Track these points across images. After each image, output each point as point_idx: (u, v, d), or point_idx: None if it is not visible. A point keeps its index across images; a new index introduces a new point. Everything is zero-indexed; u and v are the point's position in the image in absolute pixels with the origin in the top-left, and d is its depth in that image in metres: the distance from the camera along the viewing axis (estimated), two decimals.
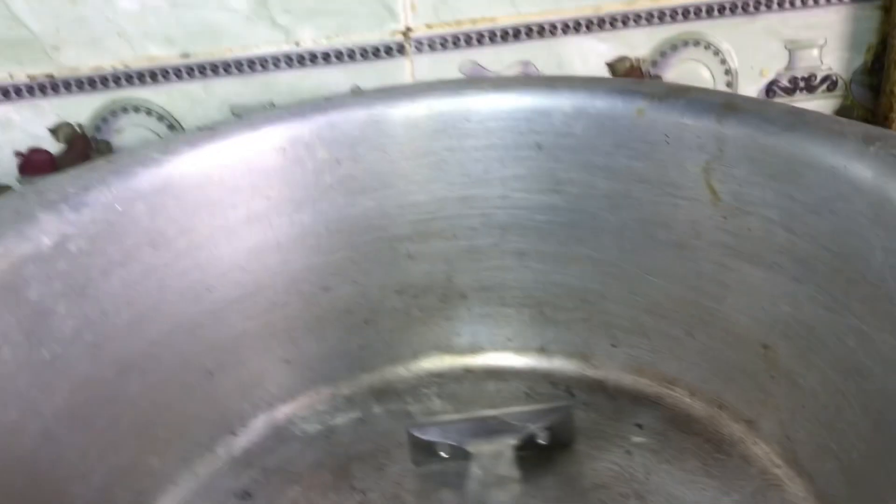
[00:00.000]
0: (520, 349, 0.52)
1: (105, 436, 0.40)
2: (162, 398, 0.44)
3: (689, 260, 0.45)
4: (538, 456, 0.45)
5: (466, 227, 0.50)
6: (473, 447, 0.41)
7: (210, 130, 0.43)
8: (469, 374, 0.52)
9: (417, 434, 0.43)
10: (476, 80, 0.47)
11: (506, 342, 0.52)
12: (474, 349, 0.52)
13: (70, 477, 0.38)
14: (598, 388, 0.50)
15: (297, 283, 0.48)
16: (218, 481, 0.46)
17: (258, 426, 0.49)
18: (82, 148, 0.52)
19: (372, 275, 0.49)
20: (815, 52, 0.57)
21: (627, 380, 0.50)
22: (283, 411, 0.49)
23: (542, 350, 0.52)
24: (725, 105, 0.41)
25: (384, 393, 0.51)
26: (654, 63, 0.56)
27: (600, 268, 0.48)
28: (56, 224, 0.37)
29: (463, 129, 0.47)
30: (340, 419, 0.49)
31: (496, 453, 0.41)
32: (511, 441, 0.42)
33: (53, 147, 0.51)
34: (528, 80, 0.47)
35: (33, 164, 0.50)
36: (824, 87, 0.57)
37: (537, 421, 0.43)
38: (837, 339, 0.38)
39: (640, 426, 0.47)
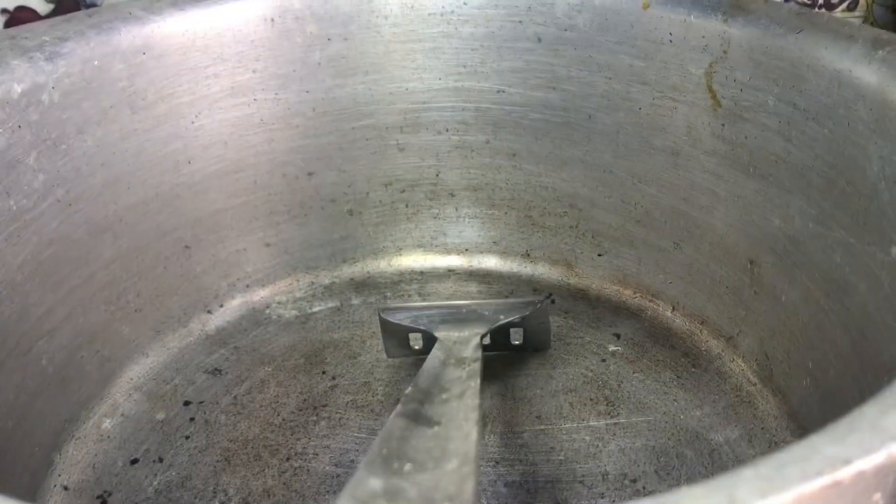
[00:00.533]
0: (504, 253, 0.51)
1: (73, 296, 0.40)
2: (136, 266, 0.43)
3: (682, 168, 0.44)
4: (512, 357, 0.45)
5: (458, 122, 0.48)
6: (441, 333, 0.41)
7: None
8: (452, 273, 0.52)
9: (386, 316, 0.43)
10: None
11: (491, 245, 0.51)
12: (459, 249, 0.52)
13: (34, 332, 0.38)
14: (580, 296, 0.49)
15: (281, 165, 0.47)
16: (189, 356, 0.46)
17: (234, 306, 0.48)
18: (71, 10, 0.50)
19: (358, 163, 0.48)
20: None
21: (610, 290, 0.49)
22: (261, 294, 0.49)
23: (527, 255, 0.51)
24: (734, 4, 0.39)
25: (364, 285, 0.51)
26: None
27: (592, 172, 0.47)
28: (28, 71, 0.36)
29: (461, 15, 0.45)
30: (318, 307, 0.49)
31: (462, 339, 0.40)
32: (480, 330, 0.41)
33: (42, 7, 0.49)
34: None
35: (19, 22, 0.49)
36: (844, 5, 0.55)
37: (511, 313, 0.43)
38: (824, 254, 0.37)
39: (618, 336, 0.46)
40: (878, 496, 0.19)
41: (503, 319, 0.42)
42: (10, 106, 0.35)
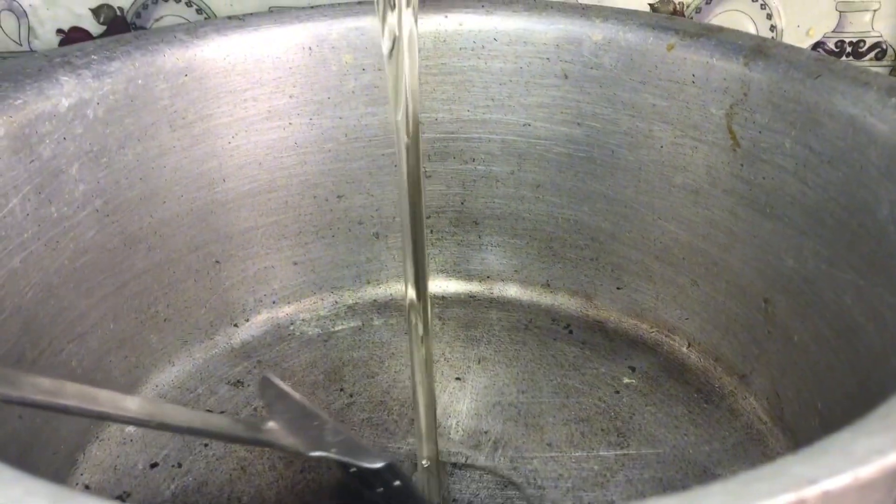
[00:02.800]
0: (525, 282, 0.52)
1: (105, 303, 0.42)
2: (167, 277, 0.45)
3: (702, 206, 0.44)
4: (526, 384, 0.46)
5: (485, 153, 0.50)
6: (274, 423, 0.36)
7: (239, 20, 0.44)
8: (473, 300, 0.53)
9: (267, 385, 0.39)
10: (509, 2, 0.47)
11: (512, 273, 0.52)
12: (481, 276, 0.53)
13: (66, 334, 0.39)
14: (597, 328, 0.50)
15: (311, 187, 0.48)
16: (213, 367, 0.47)
17: (259, 321, 0.50)
18: (121, 31, 0.53)
19: (386, 188, 0.50)
20: (868, 16, 0.55)
21: (628, 323, 0.50)
22: (286, 311, 0.51)
23: (547, 285, 0.52)
24: (755, 48, 0.40)
25: (386, 307, 0.52)
26: (699, 10, 0.55)
27: (614, 207, 0.48)
28: (76, 87, 0.38)
29: (491, 50, 0.46)
30: (340, 326, 0.50)
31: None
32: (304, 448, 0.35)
33: (94, 28, 0.52)
34: (561, 7, 0.46)
35: (73, 41, 0.51)
36: (872, 54, 0.55)
37: (355, 455, 0.36)
38: (835, 295, 0.37)
39: (633, 368, 0.47)
40: None
41: (333, 454, 0.35)
42: (57, 119, 0.37)
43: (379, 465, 0.35)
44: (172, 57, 0.41)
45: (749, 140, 0.41)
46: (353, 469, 0.36)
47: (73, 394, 0.27)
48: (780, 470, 0.17)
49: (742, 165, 0.42)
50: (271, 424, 0.35)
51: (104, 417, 0.29)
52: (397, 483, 0.37)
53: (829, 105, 0.37)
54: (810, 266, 0.39)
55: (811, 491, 0.16)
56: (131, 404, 0.30)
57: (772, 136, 0.40)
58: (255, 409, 0.44)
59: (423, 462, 0.38)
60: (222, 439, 0.39)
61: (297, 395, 0.38)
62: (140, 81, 0.41)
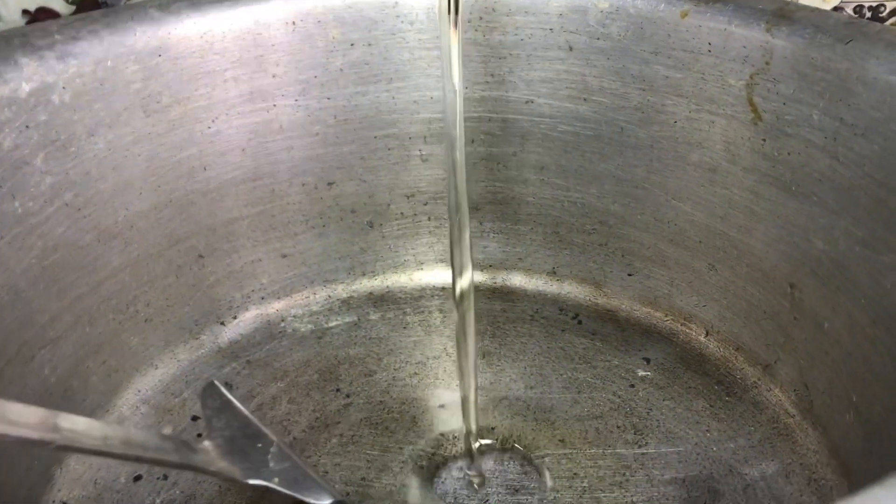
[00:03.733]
0: (530, 270, 0.49)
1: (80, 304, 0.38)
2: (146, 274, 0.42)
3: (719, 185, 0.41)
4: (535, 379, 0.43)
5: (485, 133, 0.46)
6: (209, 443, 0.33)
7: None
8: (475, 290, 0.49)
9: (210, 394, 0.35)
10: None
11: (516, 261, 0.49)
12: (483, 265, 0.50)
13: (37, 340, 0.36)
14: (608, 317, 0.47)
15: (299, 174, 0.45)
16: (199, 369, 0.44)
17: (248, 319, 0.47)
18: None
19: (380, 174, 0.47)
20: None
21: (640, 312, 0.47)
22: (276, 307, 0.47)
23: (554, 273, 0.49)
24: (777, 12, 0.37)
25: (383, 300, 0.49)
26: None
27: (624, 188, 0.45)
28: (38, 70, 0.34)
29: (489, 21, 0.43)
30: (334, 321, 0.47)
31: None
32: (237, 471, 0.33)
33: (63, 8, 0.48)
34: None
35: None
36: (894, 18, 0.52)
37: (296, 487, 0.33)
38: (872, 280, 0.34)
39: (647, 360, 0.44)
40: None
41: (275, 484, 0.33)
42: (17, 105, 0.34)
43: (326, 501, 0.32)
44: (144, 36, 0.38)
45: (772, 113, 0.38)
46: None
47: None
48: None
49: (764, 140, 0.39)
50: (207, 444, 0.32)
51: None
52: None
53: (862, 72, 0.34)
54: (842, 248, 0.35)
55: None
56: (32, 418, 0.25)
57: (798, 108, 0.37)
58: None
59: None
60: (147, 462, 0.34)
61: (242, 409, 0.34)
62: (109, 63, 0.37)
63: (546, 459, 0.38)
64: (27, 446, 0.32)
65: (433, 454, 0.39)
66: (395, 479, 0.37)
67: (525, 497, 0.36)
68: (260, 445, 0.33)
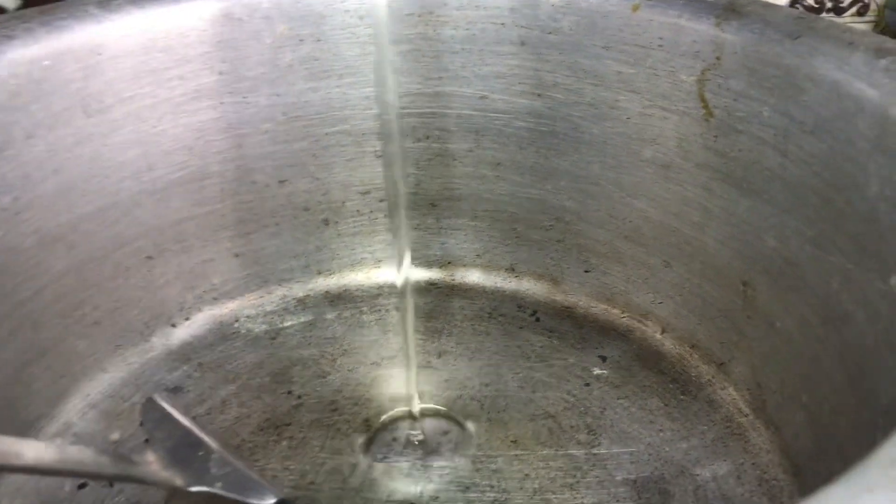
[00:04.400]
0: (488, 266, 0.49)
1: (22, 309, 0.38)
2: (92, 277, 0.41)
3: (673, 182, 0.41)
4: (491, 376, 0.42)
5: (439, 129, 0.46)
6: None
7: None
8: (433, 288, 0.49)
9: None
10: None
11: (474, 258, 0.49)
12: (441, 262, 0.49)
13: None
14: (565, 314, 0.47)
15: (250, 172, 0.44)
16: (149, 372, 0.43)
17: (200, 320, 0.46)
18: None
19: (333, 171, 0.46)
20: None
21: (597, 308, 0.46)
22: (229, 307, 0.47)
23: (512, 270, 0.48)
24: (727, 6, 0.36)
25: (340, 299, 0.48)
26: None
27: (579, 185, 0.44)
28: None
29: (440, 16, 0.42)
30: (290, 321, 0.47)
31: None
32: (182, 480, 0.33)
33: (11, 3, 0.47)
34: None
35: None
36: (854, 9, 0.52)
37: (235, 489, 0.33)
38: (821, 280, 0.34)
39: (603, 358, 0.43)
40: None
41: (217, 489, 0.33)
42: None
43: (269, 501, 0.32)
44: (83, 33, 0.37)
45: (723, 109, 0.37)
46: None
47: None
48: None
49: (716, 137, 0.38)
50: (149, 455, 0.32)
51: None
52: None
53: (810, 69, 0.33)
54: (793, 247, 0.35)
55: None
56: None
57: (748, 104, 0.36)
58: (195, 416, 0.40)
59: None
60: (85, 477, 0.34)
61: (183, 420, 0.34)
62: (46, 62, 0.36)
63: (498, 461, 0.38)
64: None
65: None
66: (344, 483, 0.37)
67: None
68: (201, 453, 0.33)
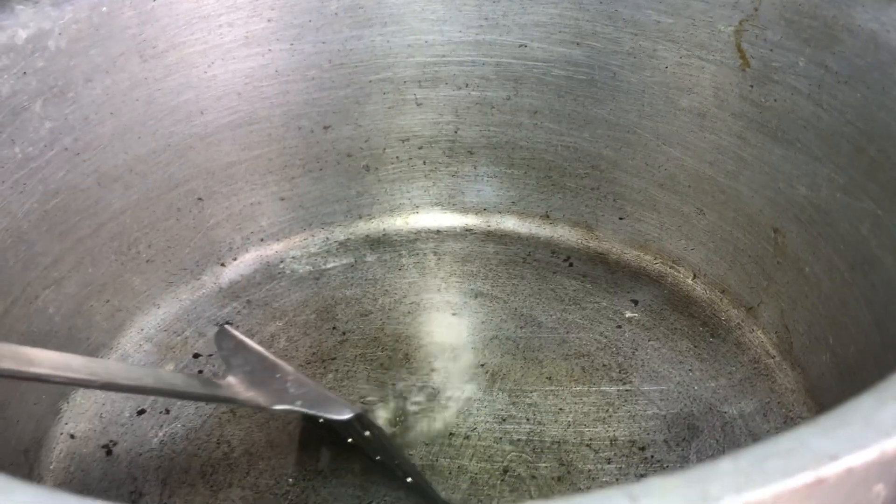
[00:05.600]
0: (523, 213, 0.50)
1: (82, 246, 0.40)
2: (147, 217, 0.43)
3: (708, 131, 0.42)
4: (525, 318, 0.44)
5: (479, 77, 0.47)
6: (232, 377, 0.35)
7: None
8: (469, 233, 0.50)
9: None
10: None
11: (510, 205, 0.50)
12: (477, 209, 0.50)
13: (41, 280, 0.38)
14: (598, 260, 0.48)
15: (296, 117, 0.46)
16: (200, 308, 0.45)
17: (247, 260, 0.48)
18: None
19: (375, 118, 0.47)
20: None
21: (630, 255, 0.48)
22: (275, 248, 0.49)
23: (547, 216, 0.50)
24: None
25: (379, 243, 0.50)
26: None
27: (616, 133, 0.45)
28: (33, 17, 0.35)
29: None
30: (332, 263, 0.48)
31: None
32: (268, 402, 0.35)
33: None
34: None
35: None
36: None
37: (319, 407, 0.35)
38: (851, 226, 0.35)
39: (635, 302, 0.45)
40: (879, 487, 0.18)
41: (298, 407, 0.34)
42: (14, 52, 0.35)
43: (347, 416, 0.34)
44: None
45: (759, 59, 0.38)
46: (321, 420, 0.35)
47: (8, 356, 0.25)
48: (796, 444, 0.15)
49: (752, 86, 0.39)
50: (230, 379, 0.34)
51: (43, 380, 0.27)
52: (367, 433, 0.35)
53: (847, 19, 0.34)
54: (824, 194, 0.36)
55: (832, 468, 0.14)
56: (75, 363, 0.28)
57: (784, 55, 0.37)
58: None
59: None
60: (178, 397, 0.37)
61: (256, 347, 0.36)
62: (104, 8, 0.38)
63: (533, 395, 0.40)
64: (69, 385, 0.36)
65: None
66: (387, 412, 0.39)
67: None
68: (278, 376, 0.35)
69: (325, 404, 0.34)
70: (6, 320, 0.35)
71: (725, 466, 0.15)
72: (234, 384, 0.34)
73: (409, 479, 0.35)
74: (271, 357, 0.36)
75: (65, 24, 0.36)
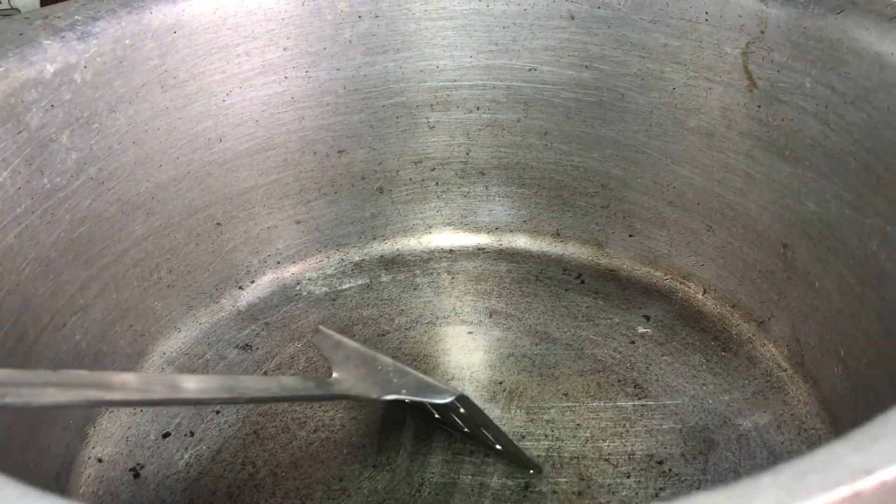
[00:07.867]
0: (534, 232, 0.51)
1: (106, 273, 0.41)
2: (167, 243, 0.44)
3: (716, 150, 0.43)
4: (539, 335, 0.45)
5: (489, 100, 0.48)
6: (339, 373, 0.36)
7: None
8: (481, 252, 0.51)
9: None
10: None
11: (521, 224, 0.51)
12: (489, 228, 0.51)
13: (68, 308, 0.38)
14: (610, 276, 0.49)
15: (311, 142, 0.47)
16: (220, 331, 0.46)
17: (265, 283, 0.49)
18: None
19: (389, 141, 0.48)
20: None
21: (641, 271, 0.49)
22: (291, 271, 0.49)
23: (557, 235, 0.50)
24: None
25: (394, 263, 0.51)
26: None
27: (624, 153, 0.46)
28: (61, 51, 0.36)
29: None
30: (347, 284, 0.49)
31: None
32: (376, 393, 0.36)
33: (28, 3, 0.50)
34: None
35: (56, 0, 0.49)
36: None
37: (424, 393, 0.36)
38: (859, 241, 0.36)
39: (647, 318, 0.46)
40: None
41: (404, 395, 0.35)
42: (43, 86, 0.35)
43: (450, 399, 0.35)
44: (160, 13, 0.39)
45: (766, 80, 0.39)
46: (428, 405, 0.36)
47: (118, 385, 0.26)
48: (833, 459, 0.16)
49: (759, 107, 0.40)
50: (336, 376, 0.35)
51: (164, 404, 0.28)
52: (469, 413, 0.37)
53: (852, 42, 0.35)
54: (833, 210, 0.37)
55: (868, 482, 0.15)
56: (212, 384, 0.29)
57: (791, 76, 0.38)
58: (265, 371, 0.43)
59: None
60: (298, 400, 0.39)
61: (352, 343, 0.37)
62: (127, 41, 0.39)
63: (551, 412, 0.40)
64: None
65: None
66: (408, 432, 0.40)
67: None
68: (379, 367, 0.36)
69: (429, 390, 0.35)
70: (36, 347, 0.36)
71: (766, 482, 0.16)
72: (342, 380, 0.35)
73: (498, 447, 0.37)
74: (369, 351, 0.37)
75: (90, 58, 0.37)
